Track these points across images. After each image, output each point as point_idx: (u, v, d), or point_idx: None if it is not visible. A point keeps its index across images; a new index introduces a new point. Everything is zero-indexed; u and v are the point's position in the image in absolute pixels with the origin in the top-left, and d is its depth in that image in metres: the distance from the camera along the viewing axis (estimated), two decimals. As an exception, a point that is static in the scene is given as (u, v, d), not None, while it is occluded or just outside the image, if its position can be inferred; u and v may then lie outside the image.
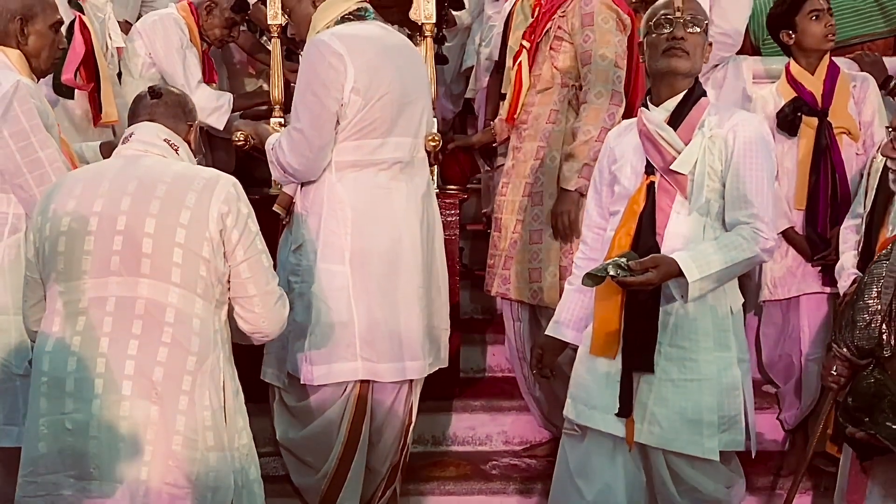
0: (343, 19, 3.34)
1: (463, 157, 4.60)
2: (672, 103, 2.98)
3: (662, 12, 2.99)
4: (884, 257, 2.75)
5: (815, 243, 3.95)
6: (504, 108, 4.15)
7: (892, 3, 4.95)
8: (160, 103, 2.76)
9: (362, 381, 3.33)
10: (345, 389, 3.33)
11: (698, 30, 2.97)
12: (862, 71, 4.61)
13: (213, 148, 5.02)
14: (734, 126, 2.93)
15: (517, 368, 4.18)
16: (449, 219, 4.25)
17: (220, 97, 4.69)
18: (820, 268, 3.98)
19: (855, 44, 4.87)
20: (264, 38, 5.36)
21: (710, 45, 3.09)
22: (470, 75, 6.79)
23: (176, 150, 2.70)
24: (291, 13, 3.47)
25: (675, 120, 2.96)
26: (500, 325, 4.46)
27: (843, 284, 3.50)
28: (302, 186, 3.36)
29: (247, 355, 2.88)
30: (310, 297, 3.28)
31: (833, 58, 4.18)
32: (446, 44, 5.56)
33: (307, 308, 3.28)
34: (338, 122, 3.23)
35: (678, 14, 2.95)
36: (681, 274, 2.78)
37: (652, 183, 2.96)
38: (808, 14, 3.99)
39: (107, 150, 3.42)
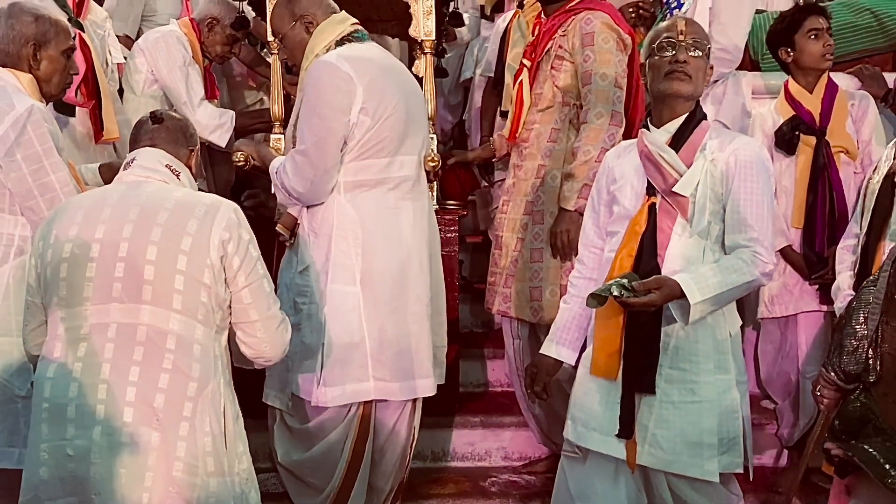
0: (341, 41, 3.36)
1: (462, 172, 4.62)
2: (674, 125, 3.00)
3: (665, 35, 3.00)
4: (871, 283, 2.77)
5: (812, 262, 3.98)
6: (506, 126, 4.16)
7: (891, 18, 4.97)
8: (161, 128, 2.77)
9: (366, 401, 3.35)
10: (349, 410, 3.34)
11: (700, 53, 2.98)
12: (862, 84, 4.65)
13: (213, 163, 5.03)
14: (735, 150, 2.94)
15: (516, 386, 4.20)
16: (448, 235, 4.28)
17: (223, 115, 4.71)
18: (817, 286, 4.00)
19: (854, 59, 4.89)
20: (265, 50, 5.38)
21: (712, 68, 3.11)
22: (469, 86, 6.84)
23: (178, 176, 2.71)
24: (284, 38, 3.46)
25: (676, 142, 2.97)
26: (499, 339, 4.47)
27: (839, 306, 3.51)
28: (308, 207, 3.37)
29: (243, 370, 2.89)
30: (320, 318, 3.29)
31: (832, 72, 4.20)
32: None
33: (316, 330, 3.29)
34: (345, 143, 3.25)
35: (681, 38, 2.97)
36: (683, 296, 2.79)
37: (653, 204, 2.97)
38: (807, 33, 4.01)
39: (106, 171, 3.44)
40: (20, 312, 2.95)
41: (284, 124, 4.35)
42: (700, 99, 4.52)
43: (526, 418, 4.23)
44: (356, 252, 3.29)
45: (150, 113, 2.83)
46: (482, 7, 5.52)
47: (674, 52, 2.96)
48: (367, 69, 3.25)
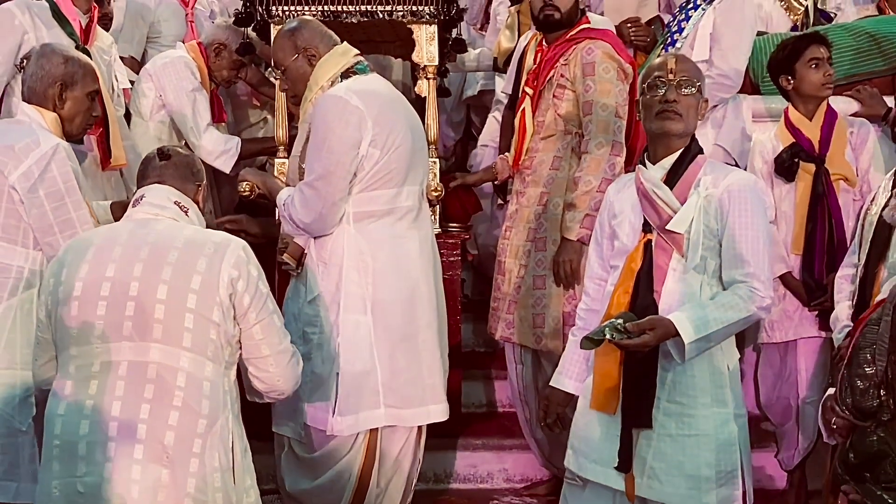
0: (346, 74, 3.41)
1: (464, 194, 4.65)
2: (669, 161, 3.04)
3: (656, 74, 3.05)
4: (873, 323, 2.79)
5: (811, 289, 4.01)
6: (510, 154, 4.21)
7: (890, 41, 5.01)
8: (169, 165, 2.81)
9: (373, 428, 3.40)
10: (356, 437, 3.39)
11: (692, 90, 3.02)
12: (862, 104, 4.69)
13: (218, 184, 5.08)
14: (729, 186, 2.99)
15: (519, 410, 4.25)
16: (451, 259, 4.31)
17: (228, 141, 4.75)
18: (816, 312, 4.04)
19: (854, 82, 4.91)
20: (269, 69, 5.42)
21: (706, 101, 3.15)
22: (471, 104, 6.88)
23: (186, 212, 2.76)
24: (286, 71, 3.49)
25: (671, 178, 3.02)
26: (501, 359, 4.51)
27: (838, 337, 3.53)
28: (316, 238, 3.41)
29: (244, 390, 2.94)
30: (331, 348, 3.34)
31: (832, 95, 4.24)
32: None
33: (328, 359, 3.34)
34: (355, 175, 3.31)
35: (671, 76, 3.01)
36: (677, 335, 2.84)
37: (649, 241, 3.02)
38: (807, 62, 4.05)
39: (118, 209, 3.49)
40: (26, 346, 3.04)
41: (288, 149, 4.41)
42: (700, 123, 4.62)
43: (528, 442, 4.27)
44: (367, 282, 3.34)
45: (158, 149, 2.88)
46: (495, 59, 5.54)
47: (664, 92, 3.00)
48: (375, 102, 3.32)
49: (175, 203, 2.74)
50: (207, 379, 2.56)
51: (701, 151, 3.09)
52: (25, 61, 3.65)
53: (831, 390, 2.84)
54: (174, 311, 2.53)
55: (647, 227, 3.04)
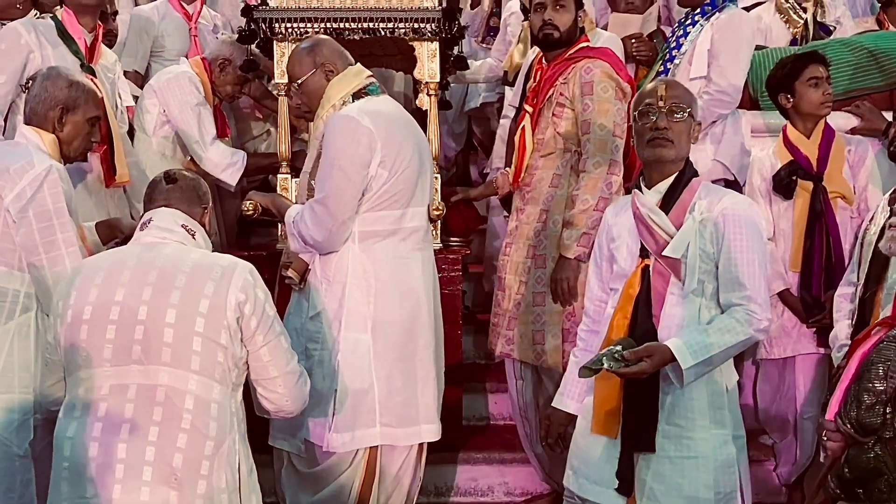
0: (358, 94, 3.46)
1: (465, 209, 4.70)
2: (664, 185, 3.08)
3: (646, 101, 3.08)
4: (892, 339, 2.80)
5: (809, 306, 4.05)
6: (510, 171, 4.26)
7: (888, 57, 5.05)
8: (175, 188, 2.86)
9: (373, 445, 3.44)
10: (356, 453, 3.43)
11: (683, 115, 3.05)
12: (861, 120, 4.73)
13: (222, 198, 5.12)
14: (724, 209, 3.02)
15: (519, 425, 4.28)
16: (451, 274, 4.34)
17: (234, 154, 4.78)
18: (815, 328, 4.08)
19: (852, 97, 4.95)
20: (272, 82, 5.46)
21: (699, 124, 3.18)
22: (472, 115, 6.92)
23: (193, 235, 2.80)
24: (303, 85, 3.54)
25: (666, 203, 3.06)
26: (502, 372, 4.52)
27: (837, 356, 3.56)
28: (321, 255, 3.46)
29: (248, 404, 2.98)
30: (332, 364, 3.39)
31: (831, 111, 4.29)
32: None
33: (329, 376, 3.39)
34: (363, 195, 3.36)
35: (660, 103, 3.05)
36: (675, 360, 2.88)
37: (647, 266, 3.06)
38: (807, 80, 4.09)
39: (103, 229, 3.54)
40: (24, 369, 3.10)
41: (291, 163, 4.46)
42: (699, 138, 4.66)
43: (528, 456, 4.31)
44: (369, 301, 3.39)
45: (164, 173, 2.92)
46: (505, 73, 5.58)
47: (654, 119, 3.04)
48: (385, 124, 3.38)
49: (182, 226, 2.79)
50: (215, 401, 2.60)
51: (696, 174, 3.13)
52: (31, 82, 3.70)
53: (829, 414, 2.86)
54: (182, 335, 2.57)
55: (644, 252, 3.08)
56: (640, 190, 3.11)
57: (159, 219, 2.79)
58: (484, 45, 6.45)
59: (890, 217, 3.31)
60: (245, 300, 2.63)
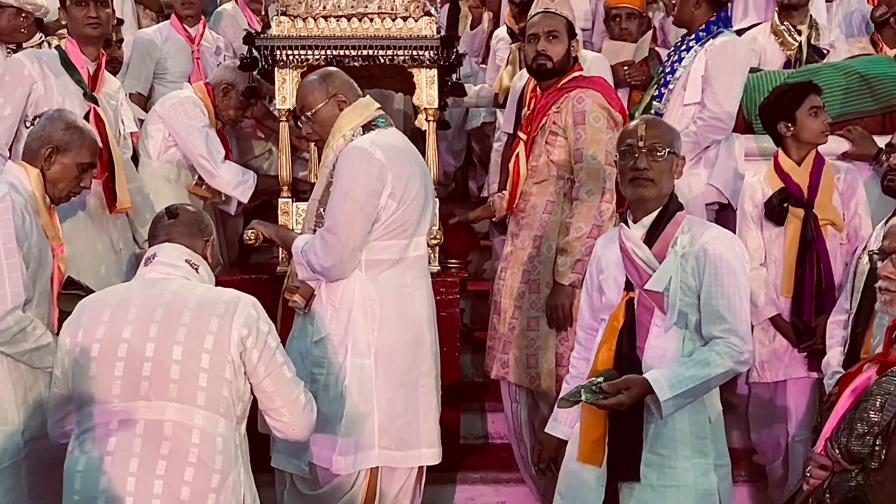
0: (367, 126, 3.56)
1: (463, 231, 4.78)
2: (649, 220, 3.16)
3: (627, 142, 3.16)
4: (894, 374, 2.83)
5: (800, 332, 4.13)
6: (504, 197, 4.34)
7: (880, 82, 5.12)
8: (177, 223, 2.94)
9: (373, 468, 3.53)
10: (357, 476, 3.52)
11: (664, 154, 3.12)
12: (853, 145, 4.80)
13: (224, 218, 5.20)
14: (705, 244, 3.09)
15: (514, 447, 4.36)
16: (449, 297, 4.41)
17: (245, 173, 4.87)
18: (805, 353, 4.15)
19: (845, 121, 5.01)
20: (273, 102, 5.53)
21: (683, 159, 3.25)
22: (472, 133, 7.01)
23: (197, 269, 2.88)
24: (316, 114, 3.60)
25: (650, 237, 3.14)
26: (500, 391, 4.57)
27: (829, 383, 3.62)
28: (328, 282, 3.54)
29: (252, 423, 3.06)
30: (337, 389, 3.48)
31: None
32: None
33: (334, 400, 3.48)
34: (372, 225, 3.45)
35: (640, 144, 3.12)
36: (654, 392, 2.94)
37: (631, 299, 3.14)
38: (808, 110, 4.16)
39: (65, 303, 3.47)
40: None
41: (292, 188, 4.54)
42: (692, 163, 4.73)
43: (524, 476, 4.38)
44: (373, 328, 3.49)
45: (166, 208, 3.01)
46: (496, 95, 5.68)
47: (634, 160, 3.12)
48: (395, 157, 3.48)
49: (186, 261, 2.87)
50: (220, 435, 2.69)
51: (680, 208, 3.20)
52: (37, 119, 3.78)
53: (818, 447, 2.93)
54: (188, 371, 2.65)
55: (629, 285, 3.16)
56: (627, 224, 3.19)
57: (163, 254, 2.87)
58: (483, 66, 6.53)
59: (877, 255, 3.30)
60: (248, 334, 2.71)
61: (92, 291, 3.41)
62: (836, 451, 2.89)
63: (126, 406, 2.66)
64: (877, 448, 2.78)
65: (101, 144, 3.67)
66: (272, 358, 2.78)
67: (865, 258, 3.64)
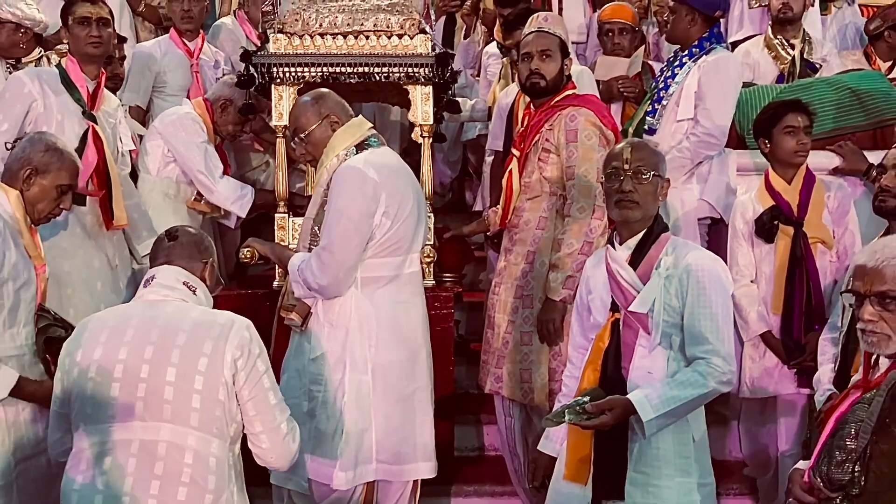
0: (361, 146, 3.61)
1: (458, 245, 4.82)
2: (634, 241, 3.21)
3: (613, 164, 3.21)
4: (865, 402, 2.84)
5: (790, 349, 4.17)
6: (498, 212, 4.39)
7: (871, 97, 5.17)
8: (176, 245, 2.99)
9: (369, 482, 3.59)
10: (355, 490, 3.58)
11: (648, 177, 3.16)
12: (843, 160, 4.85)
13: (222, 231, 5.25)
14: (687, 266, 3.12)
15: (508, 461, 4.40)
16: (444, 311, 4.45)
17: (244, 188, 4.91)
18: (795, 370, 4.20)
19: (836, 136, 5.07)
20: (269, 116, 5.57)
21: (668, 181, 3.28)
22: (468, 144, 7.05)
23: (194, 292, 2.93)
24: (309, 135, 3.66)
25: (635, 258, 3.18)
26: (494, 403, 4.62)
27: (819, 399, 3.65)
28: (324, 300, 3.59)
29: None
30: (336, 405, 3.53)
31: (813, 150, 4.40)
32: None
33: (333, 416, 3.53)
34: (367, 243, 3.51)
35: (626, 167, 3.17)
36: (637, 412, 2.98)
37: (617, 320, 3.18)
38: (783, 129, 4.22)
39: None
40: None
41: (288, 203, 4.59)
42: (685, 178, 4.77)
43: (517, 490, 4.43)
44: (370, 344, 3.55)
45: (166, 231, 3.05)
46: (490, 108, 5.73)
47: (619, 183, 3.17)
48: (388, 176, 3.55)
49: (184, 283, 2.91)
50: (213, 455, 2.73)
51: (665, 230, 3.25)
52: (17, 142, 3.78)
53: (800, 463, 2.97)
54: (182, 393, 2.70)
55: (615, 306, 3.20)
56: (613, 245, 3.24)
57: (161, 277, 2.92)
58: (479, 78, 6.56)
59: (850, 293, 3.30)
60: (240, 356, 2.75)
61: (60, 320, 3.48)
62: (818, 479, 2.93)
63: (122, 426, 2.70)
64: (856, 474, 2.82)
65: (81, 167, 3.67)
66: (258, 382, 2.80)
67: None
